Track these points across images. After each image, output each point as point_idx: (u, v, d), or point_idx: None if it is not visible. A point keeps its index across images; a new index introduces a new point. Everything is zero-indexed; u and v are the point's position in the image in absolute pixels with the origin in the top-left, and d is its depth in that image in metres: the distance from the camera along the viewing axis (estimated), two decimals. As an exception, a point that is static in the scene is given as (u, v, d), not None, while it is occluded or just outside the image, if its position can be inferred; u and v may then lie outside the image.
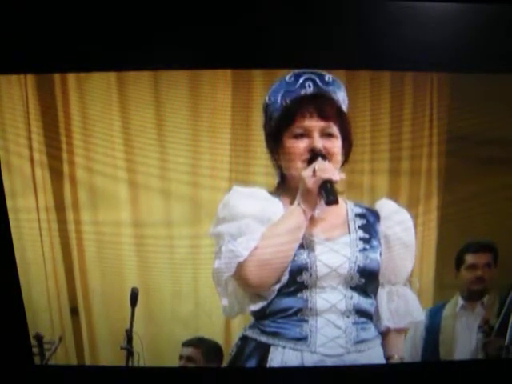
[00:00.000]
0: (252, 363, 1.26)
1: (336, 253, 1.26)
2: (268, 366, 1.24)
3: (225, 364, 1.41)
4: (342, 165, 1.29)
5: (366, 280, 1.27)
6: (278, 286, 1.23)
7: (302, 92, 1.25)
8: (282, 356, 1.25)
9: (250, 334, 1.27)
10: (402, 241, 1.34)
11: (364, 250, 1.28)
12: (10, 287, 1.45)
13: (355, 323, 1.27)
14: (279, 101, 1.26)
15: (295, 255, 1.24)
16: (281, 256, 1.23)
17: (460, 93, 1.42)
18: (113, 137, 1.46)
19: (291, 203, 1.25)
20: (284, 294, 1.24)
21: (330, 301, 1.25)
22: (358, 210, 1.33)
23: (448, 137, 1.46)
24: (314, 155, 1.23)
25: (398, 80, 1.43)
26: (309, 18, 1.33)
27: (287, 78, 1.26)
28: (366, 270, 1.27)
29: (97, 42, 1.31)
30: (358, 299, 1.27)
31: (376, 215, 1.32)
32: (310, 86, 1.25)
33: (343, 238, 1.28)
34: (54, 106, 1.45)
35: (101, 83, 1.43)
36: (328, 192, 1.20)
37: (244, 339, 1.28)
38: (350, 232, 1.29)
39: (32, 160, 1.45)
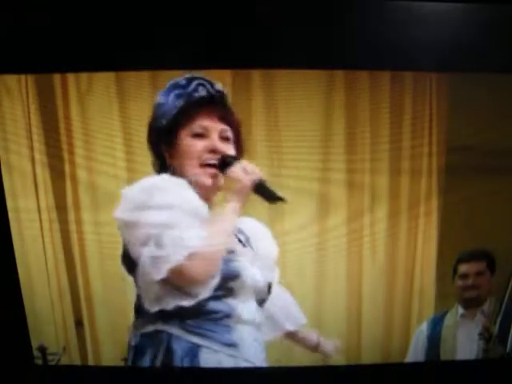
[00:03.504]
0: (177, 362, 1.23)
1: (255, 265, 1.29)
2: (202, 367, 1.23)
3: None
4: None
5: (267, 295, 1.31)
6: (212, 284, 1.22)
7: (197, 94, 1.27)
8: (218, 359, 1.24)
9: (168, 329, 1.24)
10: (271, 256, 1.38)
11: (267, 266, 1.32)
12: (12, 292, 1.45)
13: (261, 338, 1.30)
14: (174, 101, 1.27)
15: (230, 261, 1.24)
16: (219, 250, 1.23)
17: (459, 93, 1.42)
18: (113, 136, 1.46)
19: None
20: (213, 298, 1.23)
21: (250, 312, 1.27)
22: None
23: (449, 141, 1.46)
24: (230, 157, 1.26)
25: (398, 80, 1.43)
26: (308, 18, 1.32)
27: (179, 81, 1.28)
28: (270, 287, 1.32)
29: (97, 42, 1.31)
30: (262, 314, 1.31)
31: (243, 232, 1.35)
32: (203, 91, 1.28)
33: (247, 251, 1.31)
34: (54, 105, 1.45)
35: (101, 83, 1.43)
36: (268, 190, 1.25)
37: (156, 334, 1.25)
38: (245, 246, 1.32)
39: (33, 160, 1.45)
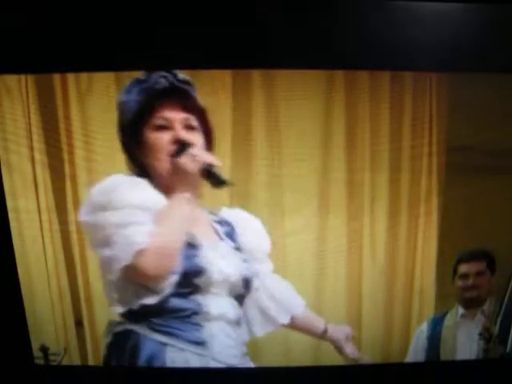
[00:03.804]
0: (142, 362, 1.23)
1: (226, 260, 1.27)
2: (169, 366, 1.23)
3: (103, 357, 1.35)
4: None
5: (245, 291, 1.29)
6: (173, 279, 1.20)
7: (158, 86, 1.26)
8: (185, 358, 1.23)
9: (137, 329, 1.23)
10: (261, 248, 1.36)
11: (244, 260, 1.30)
12: (12, 292, 1.45)
13: (238, 335, 1.29)
14: (135, 97, 1.26)
15: (194, 257, 1.23)
16: (173, 245, 1.21)
17: (459, 93, 1.42)
18: (113, 136, 1.45)
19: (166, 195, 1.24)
20: (179, 295, 1.22)
21: (221, 308, 1.25)
22: (214, 217, 1.35)
23: (448, 140, 1.46)
24: (181, 146, 1.24)
25: (398, 80, 1.43)
26: (308, 17, 1.32)
27: (140, 77, 1.27)
28: (247, 281, 1.30)
29: (96, 42, 1.31)
30: (238, 310, 1.29)
31: (229, 224, 1.34)
32: (164, 82, 1.26)
33: (222, 245, 1.30)
34: (54, 105, 1.45)
35: (101, 83, 1.43)
36: (215, 175, 1.23)
37: (126, 334, 1.25)
38: (222, 239, 1.31)
39: (33, 160, 1.45)
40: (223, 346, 1.26)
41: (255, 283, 1.34)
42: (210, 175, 1.24)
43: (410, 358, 1.52)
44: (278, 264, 1.44)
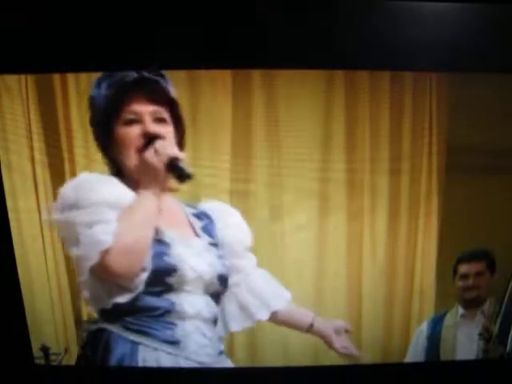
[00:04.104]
0: (115, 361, 1.21)
1: (199, 257, 1.24)
2: (141, 365, 1.22)
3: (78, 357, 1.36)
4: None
5: (221, 288, 1.27)
6: (143, 277, 1.19)
7: (128, 79, 1.23)
8: (156, 358, 1.22)
9: (111, 328, 1.22)
10: (242, 242, 1.34)
11: (219, 256, 1.28)
12: (12, 292, 1.45)
13: (215, 333, 1.27)
14: (105, 91, 1.24)
15: (164, 254, 1.21)
16: (140, 242, 1.19)
17: (459, 93, 1.42)
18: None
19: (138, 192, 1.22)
20: (151, 294, 1.20)
21: (195, 306, 1.23)
22: (193, 211, 1.32)
23: (448, 140, 1.46)
24: (149, 139, 1.21)
25: (398, 80, 1.43)
26: (308, 17, 1.32)
27: None
28: (223, 278, 1.27)
29: (96, 41, 1.31)
30: (214, 307, 1.27)
31: (208, 217, 1.32)
32: (133, 74, 1.23)
33: (196, 241, 1.27)
34: (54, 105, 1.45)
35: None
36: (179, 168, 1.20)
37: (100, 332, 1.23)
38: (198, 235, 1.28)
39: (33, 160, 1.45)
40: (198, 345, 1.24)
41: (234, 279, 1.32)
42: (174, 168, 1.20)
43: (409, 357, 1.52)
44: (277, 264, 1.44)
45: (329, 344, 1.38)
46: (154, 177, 1.20)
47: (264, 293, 1.37)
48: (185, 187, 1.35)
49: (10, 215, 1.43)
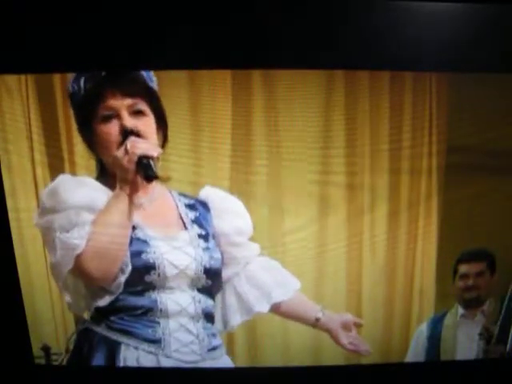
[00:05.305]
0: (99, 361, 1.21)
1: (181, 252, 1.21)
2: (121, 365, 1.21)
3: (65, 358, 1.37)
4: (163, 145, 1.25)
5: (212, 281, 1.23)
6: (123, 278, 1.17)
7: (101, 74, 1.21)
8: (136, 357, 1.20)
9: (95, 328, 1.22)
10: (241, 231, 1.30)
11: (207, 248, 1.24)
12: (12, 292, 1.44)
13: (205, 328, 1.23)
14: (81, 87, 1.22)
15: (141, 253, 1.19)
16: (116, 243, 1.17)
17: (459, 93, 1.42)
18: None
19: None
20: (132, 293, 1.19)
21: (180, 303, 1.21)
22: (186, 201, 1.29)
23: (448, 140, 1.46)
24: (125, 135, 1.18)
25: (398, 80, 1.43)
26: (308, 17, 1.32)
27: None
28: (212, 271, 1.23)
29: (96, 42, 1.31)
30: (205, 303, 1.24)
31: (204, 205, 1.29)
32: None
33: (182, 235, 1.24)
34: (54, 105, 1.45)
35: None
36: (145, 167, 1.16)
37: (87, 332, 1.23)
38: (186, 228, 1.25)
39: (33, 160, 1.45)
40: (181, 343, 1.22)
41: (233, 270, 1.29)
42: (141, 166, 1.17)
43: (409, 357, 1.52)
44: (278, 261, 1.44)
45: (335, 339, 1.34)
46: (125, 175, 1.17)
47: (265, 283, 1.33)
48: (185, 187, 1.35)
49: (10, 215, 1.43)
